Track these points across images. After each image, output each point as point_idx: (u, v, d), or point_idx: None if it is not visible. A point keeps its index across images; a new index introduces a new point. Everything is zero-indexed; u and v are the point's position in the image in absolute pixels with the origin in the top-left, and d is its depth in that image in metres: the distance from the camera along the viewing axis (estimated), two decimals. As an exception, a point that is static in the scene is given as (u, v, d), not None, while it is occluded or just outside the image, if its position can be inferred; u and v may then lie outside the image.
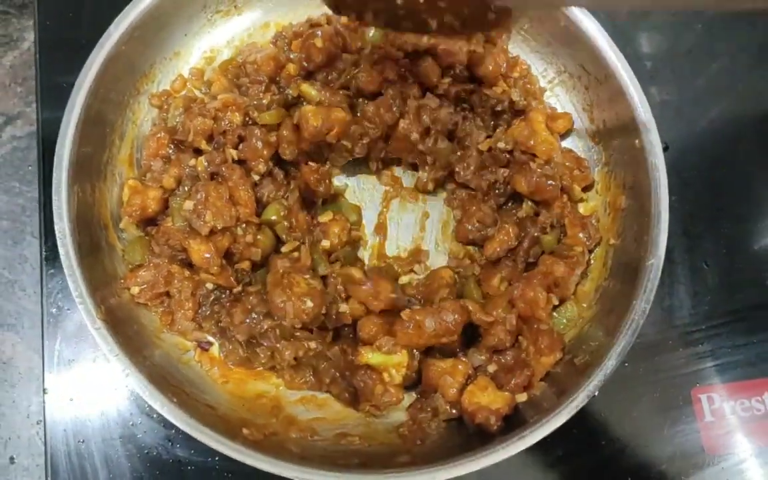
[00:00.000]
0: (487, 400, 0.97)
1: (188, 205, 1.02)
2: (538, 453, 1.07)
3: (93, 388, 1.09)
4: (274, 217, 1.08)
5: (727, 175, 1.29)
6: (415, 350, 1.02)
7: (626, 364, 1.10)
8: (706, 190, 1.27)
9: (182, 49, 1.17)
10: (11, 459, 1.12)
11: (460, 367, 1.01)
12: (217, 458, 1.05)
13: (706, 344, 1.16)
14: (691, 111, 1.34)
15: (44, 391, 1.09)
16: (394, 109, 1.09)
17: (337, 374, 1.03)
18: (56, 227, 0.96)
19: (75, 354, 1.10)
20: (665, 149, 1.07)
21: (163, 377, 0.96)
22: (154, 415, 1.07)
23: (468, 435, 0.99)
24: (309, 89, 1.09)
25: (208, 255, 1.01)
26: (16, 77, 1.35)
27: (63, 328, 1.11)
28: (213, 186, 1.03)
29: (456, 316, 0.99)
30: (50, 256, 1.14)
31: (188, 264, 1.05)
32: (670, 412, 1.12)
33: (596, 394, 0.95)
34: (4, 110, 1.32)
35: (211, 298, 1.06)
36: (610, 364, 0.94)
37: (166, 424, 1.07)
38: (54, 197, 0.97)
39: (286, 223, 1.08)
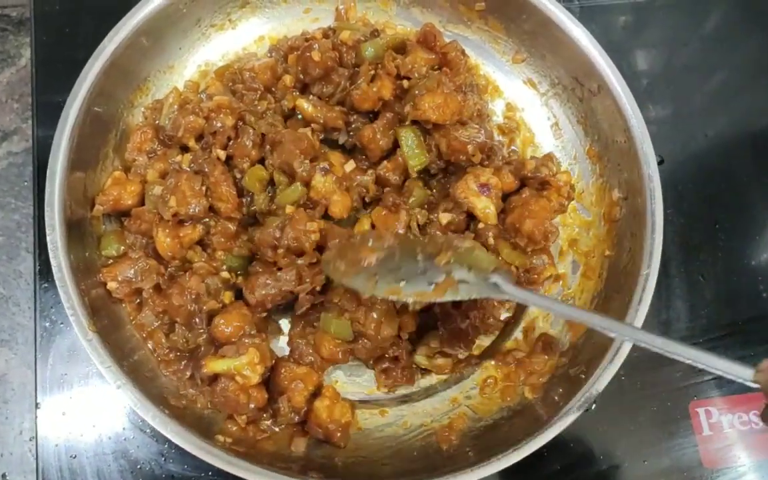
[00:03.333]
0: (338, 414, 0.98)
1: (157, 190, 1.04)
2: (536, 466, 1.05)
3: (86, 402, 1.08)
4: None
5: (722, 188, 1.29)
6: None
7: (623, 378, 1.10)
8: (702, 204, 1.27)
9: (176, 62, 1.18)
10: (3, 476, 1.11)
11: (313, 376, 1.00)
12: (210, 473, 1.04)
13: (703, 358, 1.15)
14: (686, 126, 1.34)
15: (36, 405, 1.08)
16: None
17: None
18: (48, 239, 0.96)
19: (68, 368, 1.09)
20: (660, 162, 1.07)
21: (156, 389, 0.95)
22: (147, 430, 1.06)
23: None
24: (304, 104, 1.09)
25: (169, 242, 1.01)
26: (12, 93, 1.35)
27: (56, 342, 1.11)
28: (187, 175, 1.03)
29: None
30: (44, 270, 1.14)
31: (157, 255, 1.05)
32: (668, 426, 1.12)
33: (593, 406, 0.94)
34: (0, 126, 1.33)
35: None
36: (605, 376, 0.93)
37: (159, 439, 1.06)
38: (47, 209, 0.97)
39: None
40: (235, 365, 0.93)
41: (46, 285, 1.13)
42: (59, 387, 1.09)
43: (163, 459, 1.05)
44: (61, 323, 1.11)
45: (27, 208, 1.26)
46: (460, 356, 1.07)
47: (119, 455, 1.06)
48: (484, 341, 1.12)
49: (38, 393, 1.09)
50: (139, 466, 1.05)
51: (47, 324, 1.12)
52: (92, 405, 1.08)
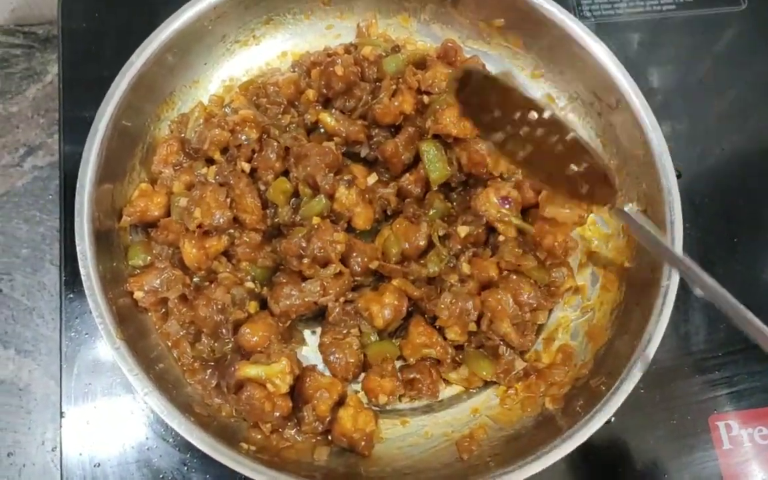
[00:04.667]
0: (362, 422, 0.99)
1: (182, 201, 1.06)
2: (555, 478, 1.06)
3: (109, 412, 1.09)
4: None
5: (739, 203, 1.30)
6: None
7: (642, 390, 1.10)
8: (720, 218, 1.28)
9: (201, 77, 1.20)
10: (25, 486, 1.13)
11: (338, 386, 1.01)
12: (231, 484, 1.05)
13: (722, 371, 1.15)
14: (703, 141, 1.35)
15: (61, 414, 1.09)
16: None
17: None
18: (78, 249, 0.98)
19: (92, 379, 1.10)
20: (678, 176, 1.07)
21: (181, 397, 0.97)
22: (170, 440, 1.07)
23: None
24: (327, 118, 1.11)
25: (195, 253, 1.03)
26: (38, 109, 1.38)
27: (81, 353, 1.12)
28: (212, 187, 1.05)
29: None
30: (69, 281, 1.15)
31: (183, 265, 1.07)
32: (687, 440, 1.11)
33: (612, 419, 0.94)
34: (26, 141, 1.36)
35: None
36: (625, 387, 0.94)
37: (182, 449, 1.06)
38: (76, 220, 0.99)
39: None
40: (267, 372, 0.95)
41: (71, 296, 1.14)
42: (84, 397, 1.10)
43: (185, 468, 1.06)
44: (86, 334, 1.13)
45: (52, 220, 1.29)
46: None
47: (142, 464, 1.06)
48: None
49: (63, 402, 1.10)
50: (161, 476, 1.06)
51: (72, 334, 1.13)
52: (116, 415, 1.09)
